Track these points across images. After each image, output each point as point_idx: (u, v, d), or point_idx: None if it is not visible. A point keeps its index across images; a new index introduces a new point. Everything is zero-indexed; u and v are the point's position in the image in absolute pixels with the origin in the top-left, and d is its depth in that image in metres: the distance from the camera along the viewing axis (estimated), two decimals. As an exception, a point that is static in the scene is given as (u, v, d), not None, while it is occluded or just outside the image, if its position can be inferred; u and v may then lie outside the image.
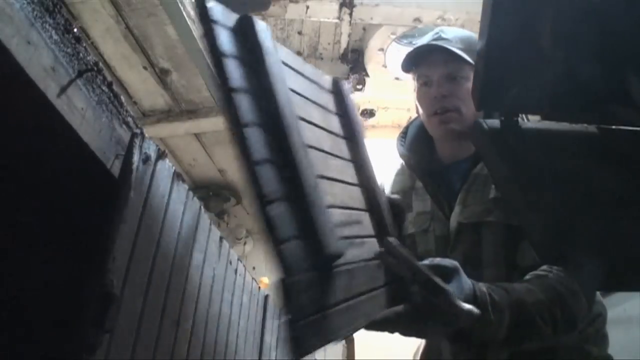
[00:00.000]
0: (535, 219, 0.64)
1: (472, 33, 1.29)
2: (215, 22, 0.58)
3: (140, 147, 0.65)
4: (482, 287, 0.86)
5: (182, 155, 2.23)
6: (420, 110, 1.24)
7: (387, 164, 1.41)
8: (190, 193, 0.86)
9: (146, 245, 0.69)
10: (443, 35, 1.21)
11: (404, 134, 1.33)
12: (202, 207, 0.92)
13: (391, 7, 2.94)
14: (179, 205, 0.82)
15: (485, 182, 1.15)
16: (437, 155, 1.24)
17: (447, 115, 1.17)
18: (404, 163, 1.29)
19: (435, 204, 1.20)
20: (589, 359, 1.08)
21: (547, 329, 0.91)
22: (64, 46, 0.50)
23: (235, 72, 0.58)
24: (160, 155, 0.71)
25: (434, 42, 1.20)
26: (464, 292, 0.80)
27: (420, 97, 1.23)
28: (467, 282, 0.83)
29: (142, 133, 0.68)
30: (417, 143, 1.27)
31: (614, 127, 0.69)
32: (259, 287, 1.39)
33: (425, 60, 1.20)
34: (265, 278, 2.61)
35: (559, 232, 0.63)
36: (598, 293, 1.14)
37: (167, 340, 0.76)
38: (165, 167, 0.75)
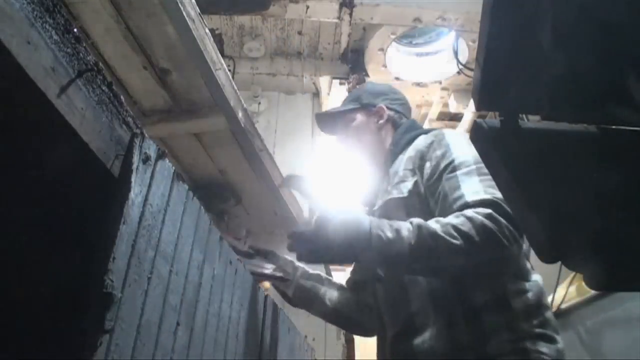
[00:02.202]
0: (535, 219, 0.64)
1: (367, 86, 1.83)
2: None
3: (140, 147, 0.65)
4: (376, 219, 1.08)
5: (182, 155, 2.23)
6: None
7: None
8: (190, 193, 0.86)
9: (146, 245, 0.69)
10: (344, 102, 1.75)
11: None
12: (202, 207, 0.92)
13: (391, 7, 2.94)
14: (179, 205, 0.82)
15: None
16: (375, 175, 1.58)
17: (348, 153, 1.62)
18: None
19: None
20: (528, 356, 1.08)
21: (459, 243, 1.02)
22: (64, 46, 0.50)
23: None
24: (160, 155, 0.71)
25: (320, 114, 1.78)
26: (350, 216, 1.06)
27: None
28: (360, 213, 1.12)
29: (142, 133, 0.68)
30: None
31: (614, 127, 0.69)
32: (259, 287, 1.39)
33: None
34: (266, 283, 2.60)
35: (559, 232, 0.63)
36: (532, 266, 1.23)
37: (167, 341, 0.76)
38: (165, 167, 0.75)
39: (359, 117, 1.60)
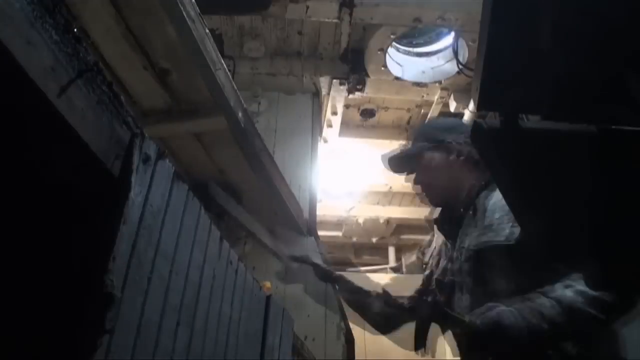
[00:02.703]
0: (534, 219, 0.64)
1: (436, 123, 1.98)
2: None
3: (140, 147, 0.65)
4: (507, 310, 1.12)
5: (182, 155, 2.23)
6: None
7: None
8: (190, 193, 0.86)
9: (146, 245, 0.69)
10: (414, 137, 1.74)
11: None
12: (202, 207, 0.92)
13: (391, 7, 2.94)
14: (179, 205, 0.82)
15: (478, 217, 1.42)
16: (455, 212, 1.55)
17: (422, 197, 1.66)
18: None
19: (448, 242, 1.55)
20: None
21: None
22: (64, 46, 0.50)
23: None
24: (160, 155, 0.71)
25: (392, 156, 1.68)
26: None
27: None
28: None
29: (142, 133, 0.68)
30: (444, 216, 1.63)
31: (614, 127, 0.69)
32: (260, 287, 1.39)
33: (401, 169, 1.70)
34: (267, 282, 2.58)
35: (559, 231, 0.63)
36: None
37: (167, 341, 0.76)
38: (165, 167, 0.75)
39: (435, 155, 1.56)
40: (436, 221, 1.65)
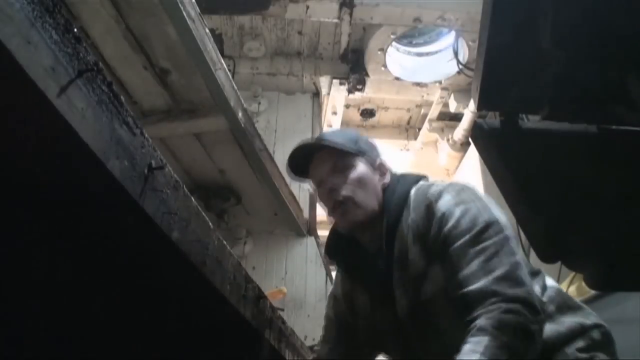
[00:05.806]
0: (534, 219, 0.64)
1: (352, 131, 1.46)
2: None
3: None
4: None
5: (182, 155, 2.23)
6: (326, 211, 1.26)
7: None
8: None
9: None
10: (321, 136, 1.28)
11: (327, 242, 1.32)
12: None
13: (391, 7, 2.94)
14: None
15: (406, 256, 1.12)
16: (362, 247, 1.22)
17: (342, 208, 1.16)
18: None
19: (370, 291, 1.21)
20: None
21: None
22: (64, 46, 0.50)
23: None
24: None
25: (309, 143, 1.24)
26: None
27: (319, 198, 1.25)
28: None
29: (142, 134, 0.68)
30: (339, 243, 1.26)
31: (614, 127, 0.69)
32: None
33: (312, 163, 1.23)
34: (284, 287, 2.52)
35: (559, 231, 0.63)
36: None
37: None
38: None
39: (362, 166, 1.19)
40: (329, 248, 1.29)
